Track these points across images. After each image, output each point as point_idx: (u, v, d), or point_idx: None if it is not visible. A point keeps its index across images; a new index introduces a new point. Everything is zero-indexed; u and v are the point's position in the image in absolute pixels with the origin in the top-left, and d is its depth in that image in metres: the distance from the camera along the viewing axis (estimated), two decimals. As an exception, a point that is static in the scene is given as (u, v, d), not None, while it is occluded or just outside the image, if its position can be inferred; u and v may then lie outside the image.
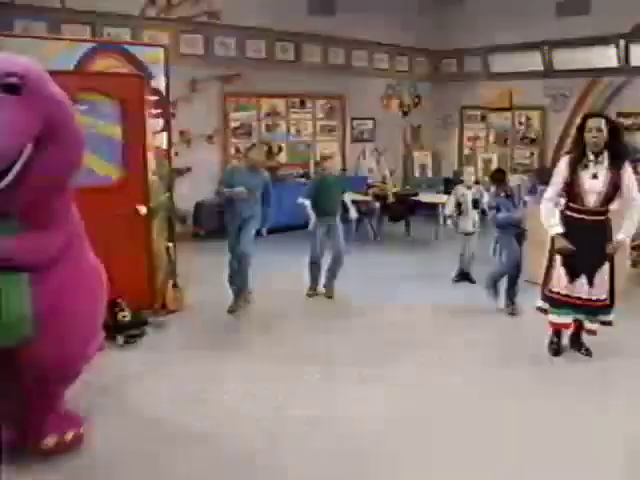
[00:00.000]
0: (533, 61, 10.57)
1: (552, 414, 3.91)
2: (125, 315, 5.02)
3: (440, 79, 12.21)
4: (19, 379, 3.14)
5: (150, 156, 5.52)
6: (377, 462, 3.37)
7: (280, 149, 10.32)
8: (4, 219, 2.88)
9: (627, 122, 9.68)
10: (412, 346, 5.04)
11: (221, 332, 5.33)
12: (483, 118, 11.65)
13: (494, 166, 9.75)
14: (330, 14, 10.44)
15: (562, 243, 4.59)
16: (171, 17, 8.71)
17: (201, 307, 5.89)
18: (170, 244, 5.79)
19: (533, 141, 11.01)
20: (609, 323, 4.75)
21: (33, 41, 5.17)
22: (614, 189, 4.49)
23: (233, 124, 9.73)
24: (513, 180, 6.10)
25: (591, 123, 4.46)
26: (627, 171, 4.52)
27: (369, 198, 9.33)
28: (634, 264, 7.26)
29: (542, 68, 10.52)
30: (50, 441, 3.30)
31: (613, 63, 9.65)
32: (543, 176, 10.25)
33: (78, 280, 3.21)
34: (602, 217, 4.60)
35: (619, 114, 9.74)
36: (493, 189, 6.16)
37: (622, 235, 4.59)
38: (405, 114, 12.14)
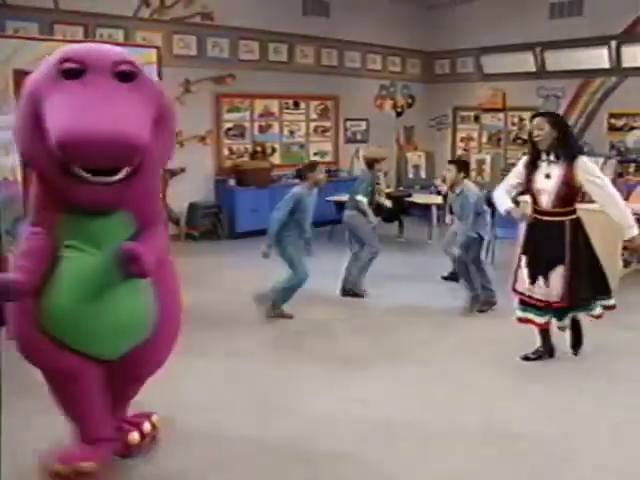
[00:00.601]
0: (526, 62, 10.61)
1: (568, 416, 3.94)
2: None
3: (433, 80, 12.24)
4: (117, 380, 3.13)
5: (143, 157, 5.53)
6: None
7: (273, 150, 10.32)
8: (117, 213, 2.79)
9: (619, 123, 9.75)
10: (409, 346, 5.07)
11: (215, 334, 5.32)
12: (476, 119, 11.69)
13: (487, 167, 9.80)
14: (324, 15, 10.47)
15: (518, 213, 4.70)
16: (164, 18, 8.72)
17: (194, 309, 5.87)
18: (164, 245, 5.77)
19: (526, 142, 11.02)
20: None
21: (25, 42, 5.14)
22: (567, 188, 4.39)
23: (226, 125, 9.73)
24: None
25: (533, 122, 4.46)
26: (580, 167, 4.35)
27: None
28: (626, 264, 7.30)
29: (535, 69, 10.57)
30: (135, 436, 3.30)
31: (605, 64, 9.71)
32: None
33: (174, 277, 3.22)
34: (558, 218, 4.48)
35: (611, 115, 9.82)
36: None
37: (634, 230, 4.56)
38: (399, 115, 12.17)
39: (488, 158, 9.87)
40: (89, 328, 2.84)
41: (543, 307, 4.56)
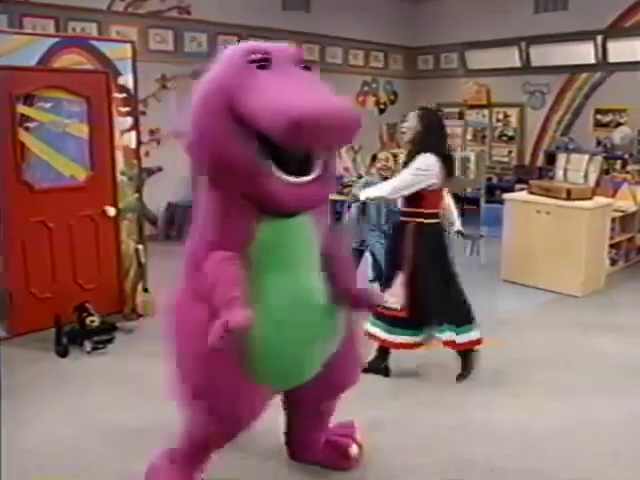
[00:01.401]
0: (511, 57, 10.64)
1: None
2: (93, 320, 4.93)
3: (416, 76, 12.24)
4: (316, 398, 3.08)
5: (118, 155, 5.48)
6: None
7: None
8: (307, 222, 2.62)
9: (605, 119, 9.80)
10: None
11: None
12: (460, 115, 11.70)
13: (472, 165, 9.79)
14: (304, 10, 10.43)
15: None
16: (139, 12, 8.62)
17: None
18: (140, 246, 5.72)
19: (511, 139, 11.08)
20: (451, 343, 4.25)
21: (-7, 36, 5.07)
22: None
23: (205, 122, 9.63)
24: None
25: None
26: (415, 160, 4.11)
27: (345, 198, 9.30)
28: (612, 262, 7.34)
29: (520, 64, 10.60)
30: (355, 449, 3.28)
31: (591, 59, 9.75)
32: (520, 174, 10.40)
33: None
34: (404, 218, 4.24)
35: (597, 111, 9.87)
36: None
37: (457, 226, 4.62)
38: (381, 112, 12.16)
39: (472, 156, 9.86)
40: (303, 357, 2.72)
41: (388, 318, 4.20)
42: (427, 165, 4.07)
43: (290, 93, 2.31)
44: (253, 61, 2.41)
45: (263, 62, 2.42)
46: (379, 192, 4.22)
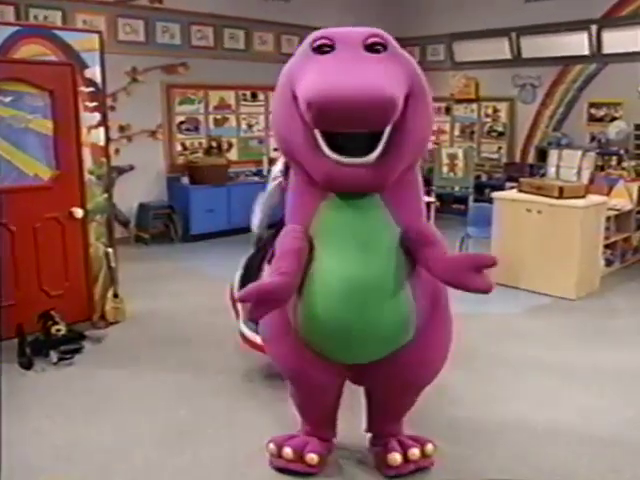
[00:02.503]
0: (500, 49, 10.67)
1: None
2: (59, 329, 4.90)
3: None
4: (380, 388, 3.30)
5: (86, 153, 5.44)
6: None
7: (230, 145, 10.23)
8: (375, 205, 2.86)
9: (600, 113, 9.86)
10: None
11: (168, 346, 5.22)
12: (448, 110, 11.75)
13: (460, 162, 9.84)
14: (283, -1, 10.42)
15: None
16: (108, 0, 8.56)
17: (144, 318, 5.79)
18: (110, 250, 5.68)
19: (501, 134, 11.12)
20: None
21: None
22: None
23: (178, 118, 9.60)
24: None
25: None
26: None
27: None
28: (608, 263, 7.39)
29: (510, 56, 10.64)
30: (397, 458, 3.33)
31: (585, 50, 9.78)
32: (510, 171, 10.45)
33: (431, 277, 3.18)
34: None
35: (591, 104, 9.93)
36: None
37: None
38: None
39: (460, 152, 9.91)
40: (350, 337, 2.93)
41: None
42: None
43: (318, 75, 2.56)
44: (317, 47, 2.72)
45: (325, 47, 2.70)
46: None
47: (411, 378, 3.21)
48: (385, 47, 2.73)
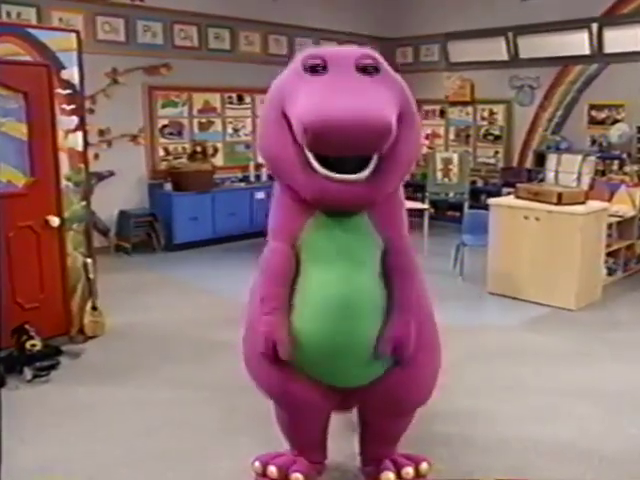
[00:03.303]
0: (497, 49, 10.71)
1: None
2: (34, 344, 4.84)
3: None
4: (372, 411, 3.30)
5: (63, 159, 5.40)
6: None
7: (215, 150, 10.22)
8: (362, 221, 2.93)
9: (601, 115, 9.89)
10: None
11: (149, 361, 5.19)
12: (442, 113, 11.76)
13: (455, 167, 9.84)
14: (270, -3, 10.42)
15: None
16: (86, -3, 8.52)
17: (125, 332, 5.75)
18: (88, 260, 5.64)
19: (498, 138, 11.15)
20: None
21: None
22: None
23: (161, 122, 9.58)
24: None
25: None
26: None
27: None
28: (610, 272, 7.40)
29: (507, 57, 10.67)
30: (390, 477, 3.33)
31: (585, 50, 9.82)
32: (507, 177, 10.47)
33: (424, 292, 3.26)
34: None
35: (592, 106, 9.96)
36: None
37: None
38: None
39: (455, 157, 9.91)
40: (335, 355, 2.97)
41: None
42: None
43: (314, 97, 2.64)
44: (309, 67, 2.80)
45: (317, 67, 2.77)
46: None
47: (403, 399, 3.21)
48: (377, 69, 2.84)
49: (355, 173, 2.72)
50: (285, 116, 2.78)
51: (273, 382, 3.16)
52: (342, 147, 2.63)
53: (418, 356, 3.11)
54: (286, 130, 2.77)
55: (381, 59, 2.91)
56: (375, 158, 2.74)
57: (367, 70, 2.79)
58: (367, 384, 3.11)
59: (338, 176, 2.71)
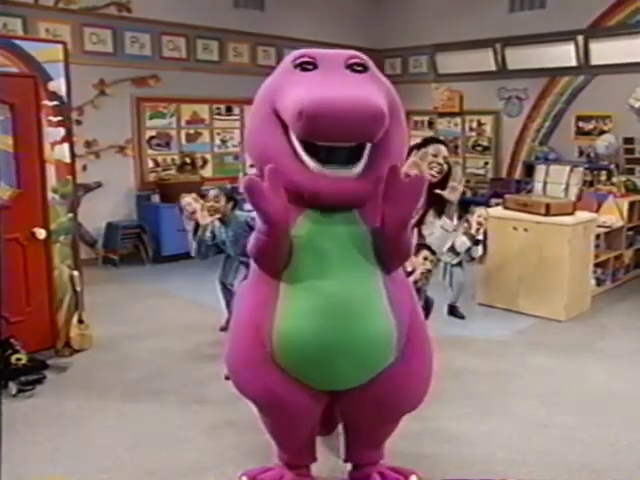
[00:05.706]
0: (485, 60, 10.75)
1: None
2: (20, 358, 4.81)
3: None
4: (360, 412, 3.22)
5: (50, 171, 5.38)
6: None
7: (204, 162, 10.20)
8: (353, 218, 2.94)
9: (588, 126, 9.93)
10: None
11: (137, 375, 5.14)
12: (430, 124, 11.79)
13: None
14: (258, 8, 10.43)
15: None
16: (72, 7, 8.48)
17: (112, 345, 5.71)
18: (75, 272, 5.61)
19: (486, 149, 11.18)
20: None
21: None
22: None
23: (149, 133, 9.56)
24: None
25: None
26: None
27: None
28: (599, 282, 7.41)
29: (495, 68, 10.71)
30: None
31: (572, 62, 9.87)
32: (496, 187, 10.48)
33: (412, 295, 3.28)
34: None
35: (579, 117, 10.00)
36: None
37: None
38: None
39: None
40: (331, 353, 2.92)
41: None
42: None
43: (308, 87, 2.68)
44: (298, 64, 2.87)
45: (307, 64, 2.85)
46: None
47: (396, 402, 3.18)
48: (366, 68, 2.92)
49: (345, 166, 2.76)
50: (276, 113, 2.82)
51: (263, 388, 3.09)
52: (336, 133, 2.64)
53: (414, 356, 3.12)
54: (276, 127, 2.81)
55: (369, 60, 2.99)
56: (367, 151, 2.78)
57: (356, 69, 2.87)
58: (358, 387, 3.06)
59: (330, 171, 2.75)
